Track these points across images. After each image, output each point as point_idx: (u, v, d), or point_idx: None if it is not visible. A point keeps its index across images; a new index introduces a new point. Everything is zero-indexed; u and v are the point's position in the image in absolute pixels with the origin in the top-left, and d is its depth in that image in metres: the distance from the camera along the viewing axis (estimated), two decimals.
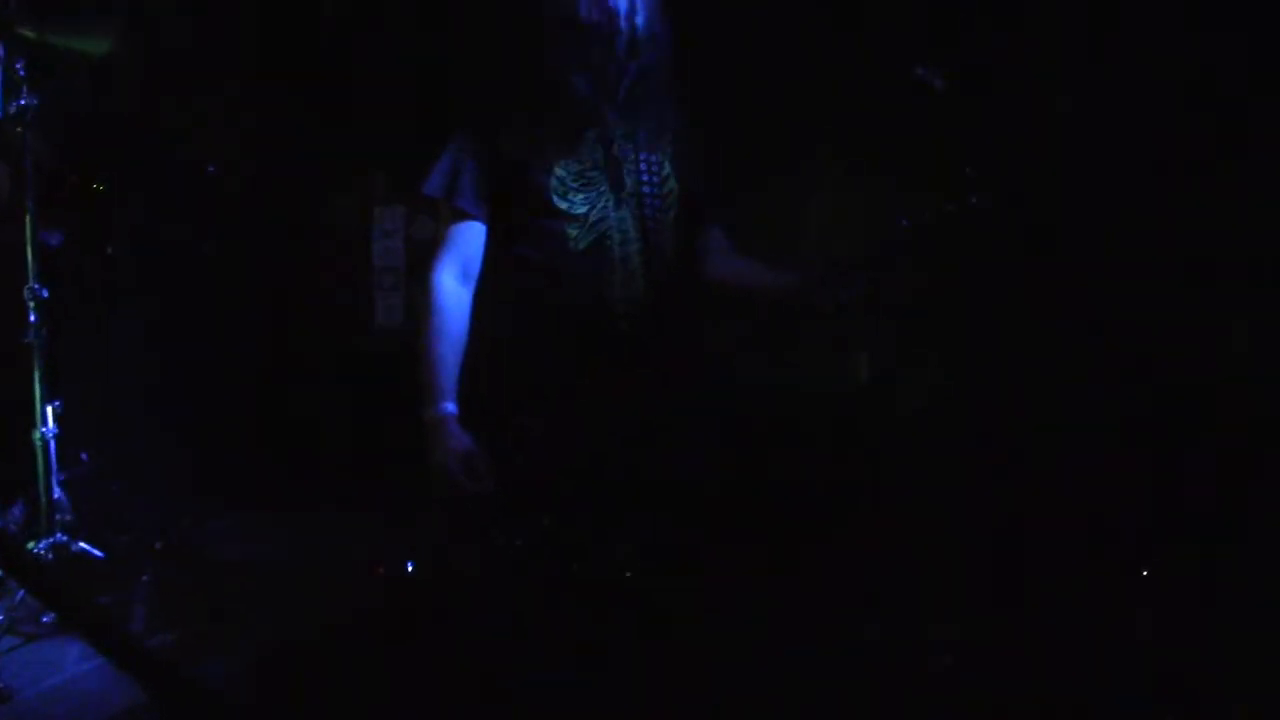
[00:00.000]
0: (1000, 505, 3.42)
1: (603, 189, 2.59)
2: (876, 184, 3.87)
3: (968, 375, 3.75)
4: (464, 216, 2.60)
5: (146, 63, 4.87)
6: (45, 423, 3.92)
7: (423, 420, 2.52)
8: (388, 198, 4.95)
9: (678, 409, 2.61)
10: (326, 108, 4.93)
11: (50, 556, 3.81)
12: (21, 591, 3.69)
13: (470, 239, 2.61)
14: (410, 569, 3.48)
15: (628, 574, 2.53)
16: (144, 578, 3.99)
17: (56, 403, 3.96)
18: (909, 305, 3.10)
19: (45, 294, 3.89)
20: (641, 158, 2.61)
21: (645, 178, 2.61)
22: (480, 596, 2.60)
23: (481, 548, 2.54)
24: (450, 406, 2.52)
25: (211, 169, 4.94)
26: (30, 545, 3.82)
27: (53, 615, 3.67)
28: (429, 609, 2.97)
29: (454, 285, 2.59)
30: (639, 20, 2.57)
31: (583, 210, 2.57)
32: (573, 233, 2.56)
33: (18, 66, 3.80)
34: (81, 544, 3.92)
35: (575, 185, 2.58)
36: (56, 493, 3.95)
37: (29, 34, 3.86)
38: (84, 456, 4.37)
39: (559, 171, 2.57)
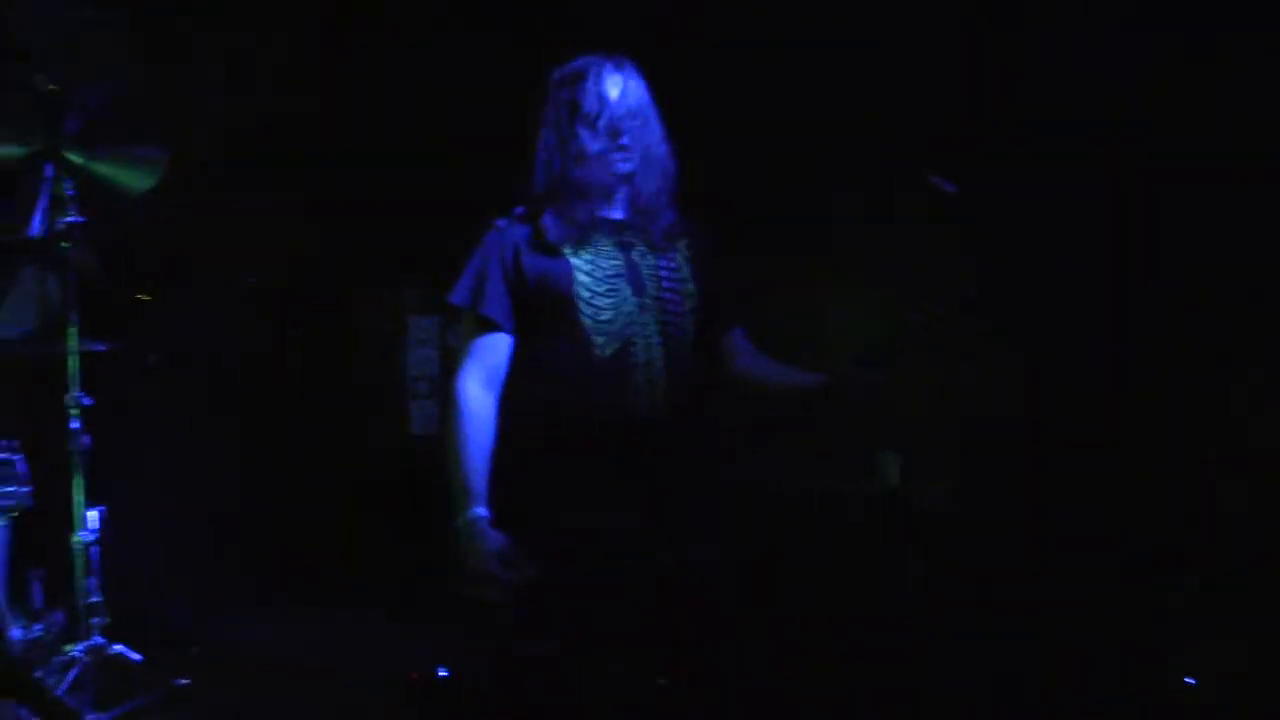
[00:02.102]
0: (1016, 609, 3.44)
1: (626, 295, 2.60)
2: (888, 279, 3.94)
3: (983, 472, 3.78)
4: (490, 326, 2.62)
5: (186, 180, 5.03)
6: (85, 527, 4.01)
7: (455, 525, 2.53)
8: (421, 307, 5.03)
9: (702, 514, 2.62)
10: (360, 220, 5.05)
11: (87, 660, 3.85)
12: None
13: (495, 346, 2.63)
14: (442, 676, 3.50)
15: (661, 681, 2.54)
16: (180, 681, 4.03)
17: (100, 508, 4.04)
18: (925, 398, 3.13)
19: (88, 402, 4.00)
20: (660, 261, 2.65)
21: (665, 282, 2.63)
22: (512, 703, 2.61)
23: (514, 652, 2.57)
24: (482, 510, 2.53)
25: (250, 279, 5.07)
26: (67, 648, 3.88)
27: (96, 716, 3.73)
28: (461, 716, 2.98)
29: (479, 392, 2.61)
30: (637, 120, 2.64)
31: (608, 317, 2.58)
32: (598, 340, 2.57)
33: (66, 186, 3.97)
34: (118, 647, 3.97)
35: (599, 291, 2.59)
36: (95, 596, 4.02)
37: (77, 159, 4.03)
38: (124, 562, 4.43)
39: (582, 278, 2.58)
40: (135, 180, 4.18)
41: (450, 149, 4.87)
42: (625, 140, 2.63)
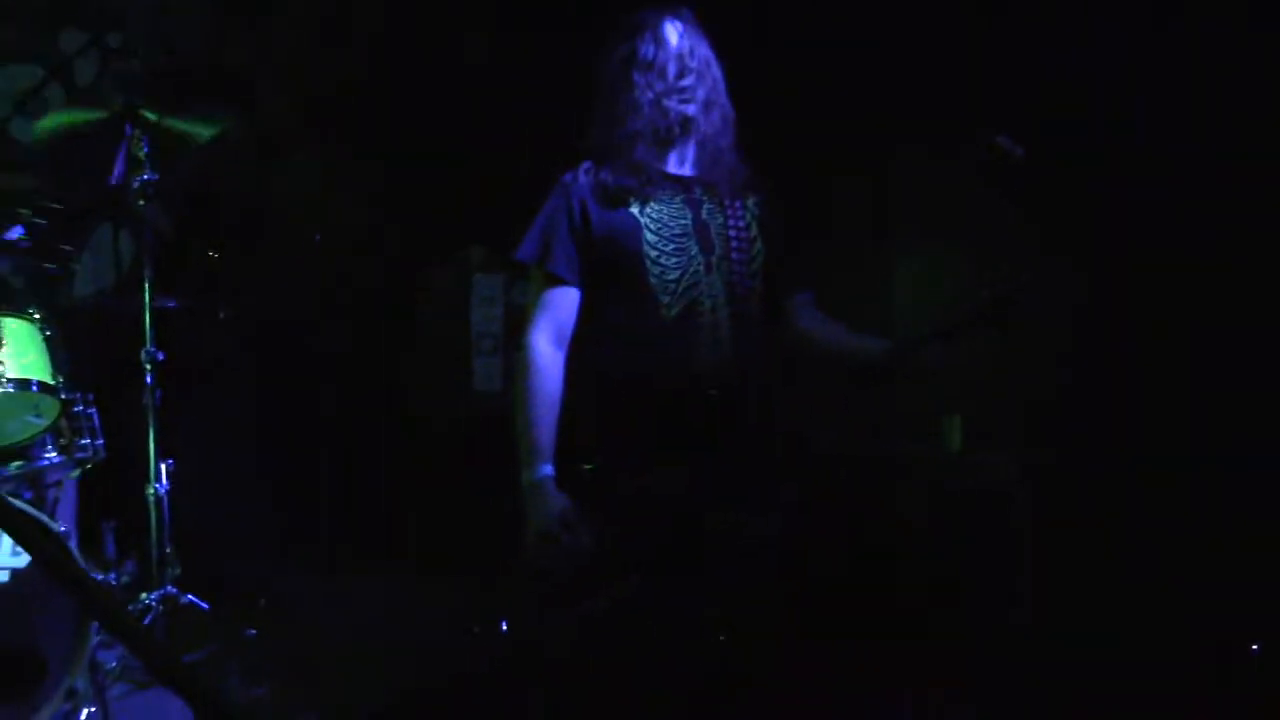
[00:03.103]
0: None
1: (693, 253, 2.58)
2: (958, 250, 3.91)
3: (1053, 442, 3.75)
4: (557, 281, 2.60)
5: (257, 140, 5.10)
6: (159, 480, 4.10)
7: (521, 482, 2.53)
8: (486, 264, 5.06)
9: (765, 476, 2.60)
10: (427, 177, 5.08)
11: (159, 608, 3.95)
12: None
13: (564, 304, 2.61)
14: (504, 628, 3.54)
15: (721, 637, 2.54)
16: (248, 632, 4.12)
17: (169, 461, 4.13)
18: (991, 369, 3.10)
19: (161, 357, 4.08)
20: (729, 220, 2.63)
21: (734, 241, 2.61)
22: (573, 658, 2.60)
23: (576, 609, 2.54)
24: (548, 468, 2.52)
25: (317, 237, 5.12)
26: (142, 596, 3.98)
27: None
28: (521, 669, 3.01)
29: (548, 349, 2.59)
30: (697, 63, 2.63)
31: (675, 276, 2.56)
32: (664, 299, 2.55)
33: (142, 145, 4.04)
34: (189, 597, 4.06)
35: (667, 250, 2.57)
36: (167, 547, 4.11)
37: (151, 116, 4.10)
38: (193, 515, 4.52)
39: (649, 236, 2.57)
40: (203, 131, 4.23)
41: (517, 105, 4.88)
42: (685, 83, 2.61)
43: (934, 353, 2.53)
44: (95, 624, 3.37)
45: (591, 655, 2.56)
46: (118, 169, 4.01)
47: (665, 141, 2.66)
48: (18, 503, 3.49)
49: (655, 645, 2.50)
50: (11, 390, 3.51)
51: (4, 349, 3.53)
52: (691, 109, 2.63)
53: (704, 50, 2.68)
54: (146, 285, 4.07)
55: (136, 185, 4.03)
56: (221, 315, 4.68)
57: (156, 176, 4.05)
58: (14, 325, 3.61)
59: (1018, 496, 3.73)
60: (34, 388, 3.58)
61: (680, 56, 2.63)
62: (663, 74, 2.62)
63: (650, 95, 2.61)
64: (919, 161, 4.18)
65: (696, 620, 2.52)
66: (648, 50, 2.63)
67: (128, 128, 4.08)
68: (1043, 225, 3.35)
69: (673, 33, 2.65)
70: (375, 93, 5.16)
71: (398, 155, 5.09)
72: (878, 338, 2.65)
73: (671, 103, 2.62)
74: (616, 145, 2.64)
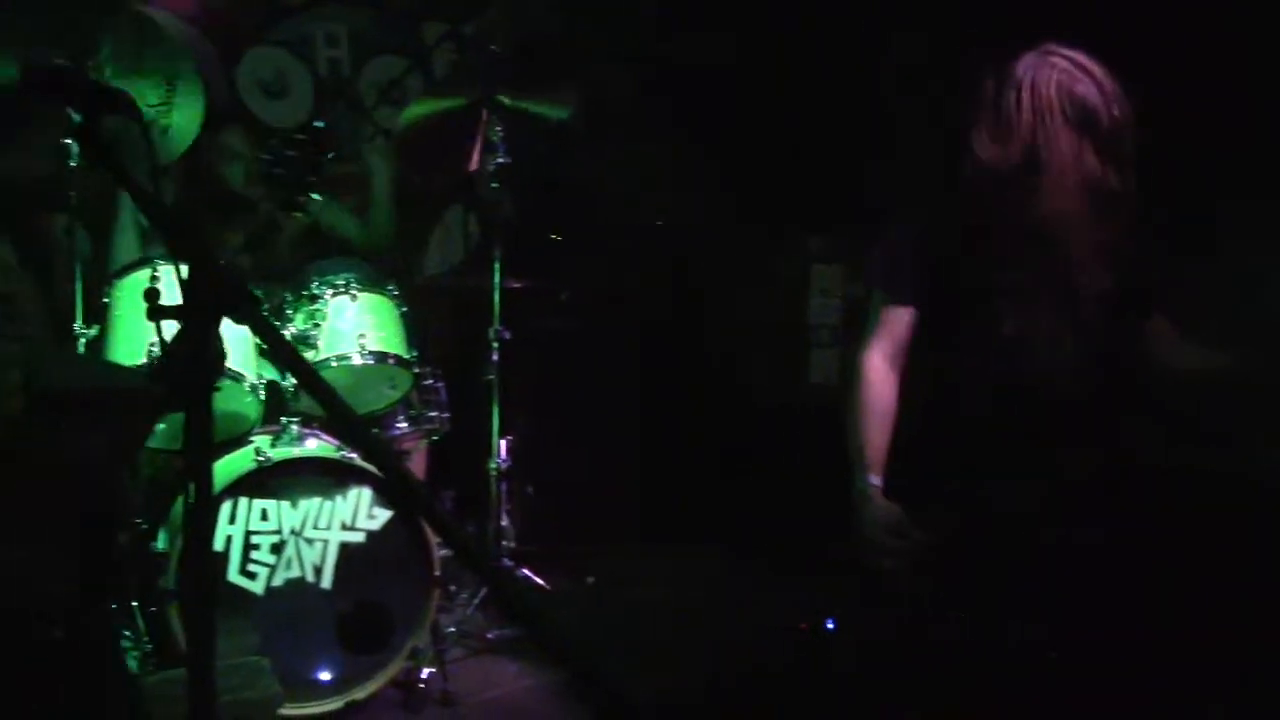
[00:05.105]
0: None
1: (1035, 273, 2.55)
2: None
3: None
4: (896, 300, 2.67)
5: (601, 127, 5.20)
6: (499, 455, 4.24)
7: (852, 492, 2.60)
8: (825, 255, 5.00)
9: (1107, 495, 2.56)
10: (767, 165, 5.05)
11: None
12: (472, 607, 3.98)
13: (902, 323, 2.67)
14: (831, 627, 3.48)
15: (1050, 655, 2.50)
16: (576, 610, 4.21)
17: (509, 437, 4.27)
18: None
19: (507, 336, 4.22)
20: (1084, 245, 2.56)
21: (1080, 264, 2.56)
22: (897, 666, 2.62)
23: (905, 622, 2.59)
24: (875, 480, 2.58)
25: (659, 222, 5.18)
26: None
27: (496, 633, 3.96)
28: (844, 671, 2.98)
29: (883, 366, 2.66)
30: (1116, 111, 2.53)
31: (1013, 298, 2.55)
32: (1005, 320, 2.55)
33: (497, 129, 4.18)
34: (525, 571, 4.18)
35: (1008, 273, 2.54)
36: (504, 521, 4.25)
37: (505, 101, 4.24)
38: (528, 490, 4.67)
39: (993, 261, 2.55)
40: (554, 113, 4.34)
41: (864, 101, 4.79)
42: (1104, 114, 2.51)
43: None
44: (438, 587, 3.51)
45: (919, 667, 2.56)
46: (475, 154, 4.18)
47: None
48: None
49: (986, 661, 2.50)
50: (371, 362, 3.70)
51: (368, 321, 3.72)
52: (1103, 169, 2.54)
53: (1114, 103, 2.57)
54: (496, 266, 4.20)
55: (491, 169, 4.18)
56: (563, 297, 4.81)
57: (509, 160, 4.18)
58: (374, 301, 3.80)
59: None
60: (390, 361, 3.75)
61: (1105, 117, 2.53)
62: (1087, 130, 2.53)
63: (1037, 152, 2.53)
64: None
65: (1027, 638, 2.49)
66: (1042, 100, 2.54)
67: (483, 113, 4.24)
68: None
69: (1081, 86, 2.54)
70: (716, 76, 5.17)
71: (738, 140, 5.08)
72: (1243, 354, 2.57)
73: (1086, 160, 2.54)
74: (980, 186, 2.59)
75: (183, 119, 3.18)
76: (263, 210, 3.85)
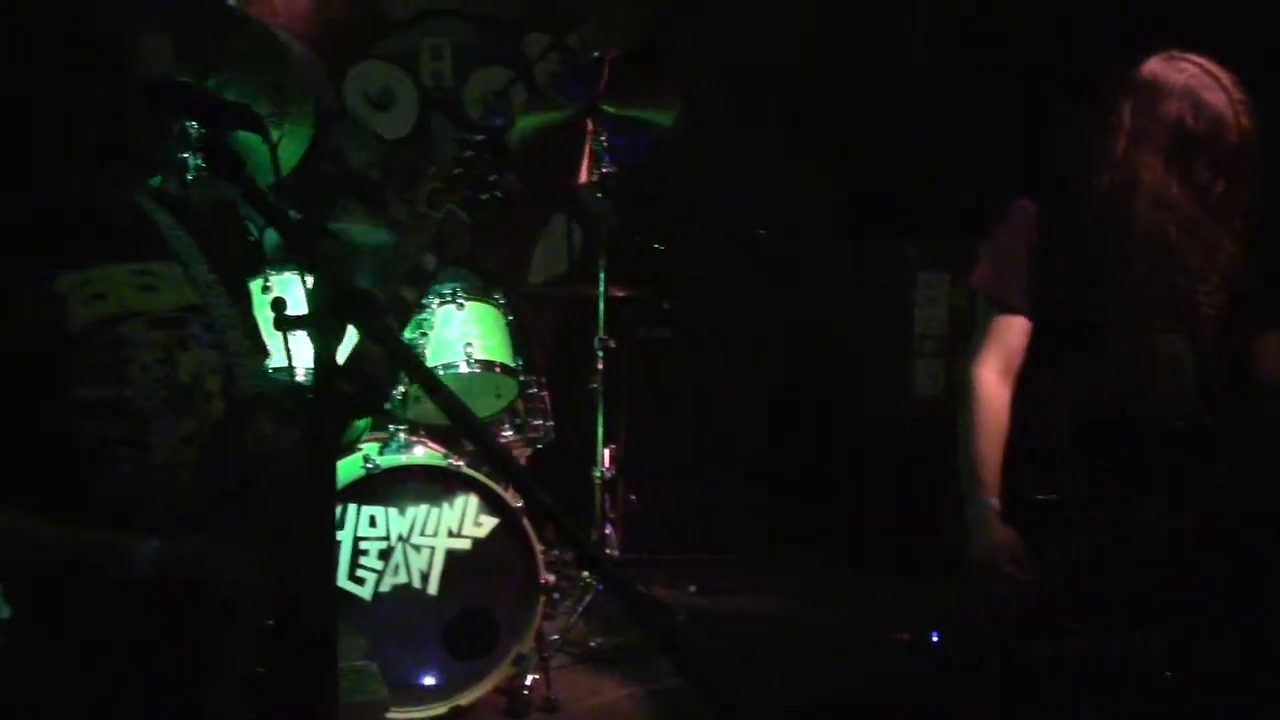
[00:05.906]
0: None
1: (1153, 285, 2.47)
2: None
3: None
4: (1010, 311, 2.54)
5: (703, 136, 5.21)
6: (602, 464, 4.26)
7: (965, 512, 2.49)
8: (929, 263, 4.94)
9: (1227, 515, 2.46)
10: (870, 173, 5.01)
11: (600, 587, 4.09)
12: (575, 615, 4.01)
13: (1014, 334, 2.54)
14: (935, 641, 3.44)
15: (1166, 674, 2.42)
16: (679, 617, 4.21)
17: (612, 446, 4.29)
18: None
19: (611, 344, 4.24)
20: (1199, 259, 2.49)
21: (1201, 277, 2.49)
22: (1007, 689, 2.54)
23: (1018, 646, 2.50)
24: (993, 501, 2.46)
25: (762, 231, 5.17)
26: (584, 574, 4.14)
27: (599, 641, 3.98)
28: (948, 687, 2.95)
29: (995, 380, 2.53)
30: (1245, 121, 2.45)
31: (1133, 310, 2.47)
32: (1123, 333, 2.47)
33: (602, 139, 4.21)
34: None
35: (1126, 284, 2.47)
36: (607, 529, 4.27)
37: (610, 109, 4.27)
38: (631, 499, 4.68)
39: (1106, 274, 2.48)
40: (660, 118, 4.35)
41: (965, 106, 4.74)
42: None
43: None
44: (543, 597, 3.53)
45: (1028, 688, 2.48)
46: (584, 165, 4.22)
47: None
48: None
49: (1101, 683, 2.42)
50: (478, 371, 3.74)
51: (475, 330, 3.76)
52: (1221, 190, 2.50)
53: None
54: (601, 275, 4.22)
55: (596, 178, 4.21)
56: (666, 306, 4.82)
57: (614, 170, 4.20)
58: (481, 309, 3.83)
59: None
60: (496, 369, 3.79)
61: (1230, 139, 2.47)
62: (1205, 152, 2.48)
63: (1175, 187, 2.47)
64: None
65: (1146, 660, 2.41)
66: (1194, 121, 2.47)
67: (588, 123, 4.28)
68: None
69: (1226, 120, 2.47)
70: (817, 86, 5.15)
71: (842, 148, 5.05)
72: None
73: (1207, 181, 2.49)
74: (1104, 217, 2.50)
75: (291, 133, 3.25)
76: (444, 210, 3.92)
